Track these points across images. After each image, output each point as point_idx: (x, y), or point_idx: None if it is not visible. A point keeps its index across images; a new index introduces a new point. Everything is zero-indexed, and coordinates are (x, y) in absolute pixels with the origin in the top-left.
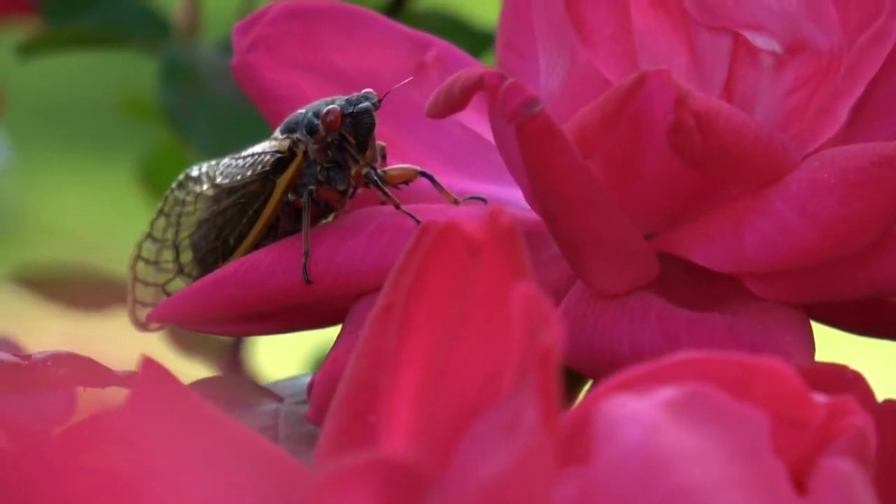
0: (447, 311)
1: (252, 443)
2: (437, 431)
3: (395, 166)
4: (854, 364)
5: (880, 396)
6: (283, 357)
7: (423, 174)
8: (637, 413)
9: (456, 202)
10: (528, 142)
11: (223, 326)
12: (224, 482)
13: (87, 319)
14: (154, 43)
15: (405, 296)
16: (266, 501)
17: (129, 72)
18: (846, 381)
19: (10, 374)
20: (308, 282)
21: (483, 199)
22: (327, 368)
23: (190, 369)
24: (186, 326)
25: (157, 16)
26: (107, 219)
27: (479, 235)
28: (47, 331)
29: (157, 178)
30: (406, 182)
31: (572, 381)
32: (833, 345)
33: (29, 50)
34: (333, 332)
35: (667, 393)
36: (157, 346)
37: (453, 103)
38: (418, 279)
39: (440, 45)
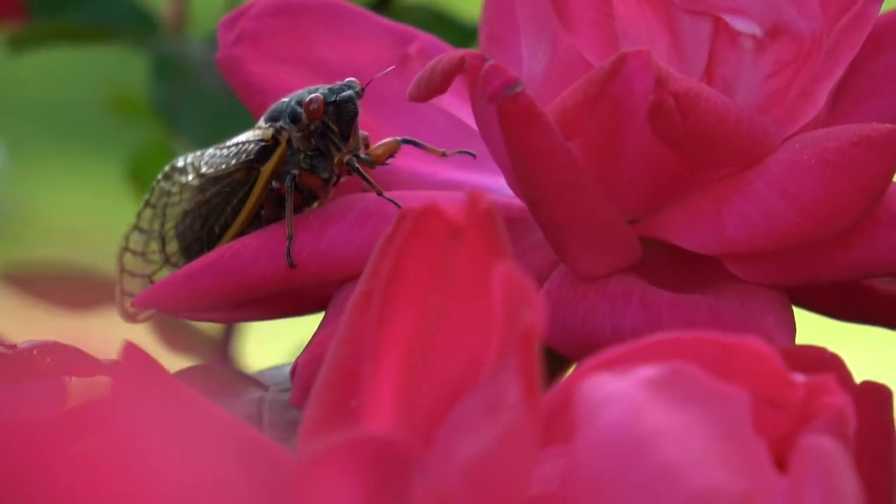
0: (428, 295)
1: (235, 429)
2: (420, 415)
3: (377, 144)
4: (833, 349)
5: (859, 380)
6: (272, 354)
7: (406, 140)
8: (618, 392)
9: (444, 155)
10: (510, 123)
11: (207, 313)
12: (207, 469)
13: (77, 318)
14: (142, 39)
15: (385, 280)
16: (249, 487)
17: (118, 71)
18: (824, 363)
19: None
20: (292, 265)
21: (472, 154)
22: (310, 352)
23: (178, 365)
24: (171, 313)
25: (145, 12)
26: (98, 217)
27: (458, 219)
28: (38, 329)
29: (145, 175)
30: (392, 155)
31: (557, 364)
32: (813, 332)
33: (17, 46)
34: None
35: (648, 372)
36: (146, 342)
37: (435, 86)
38: (398, 264)
39: (423, 37)
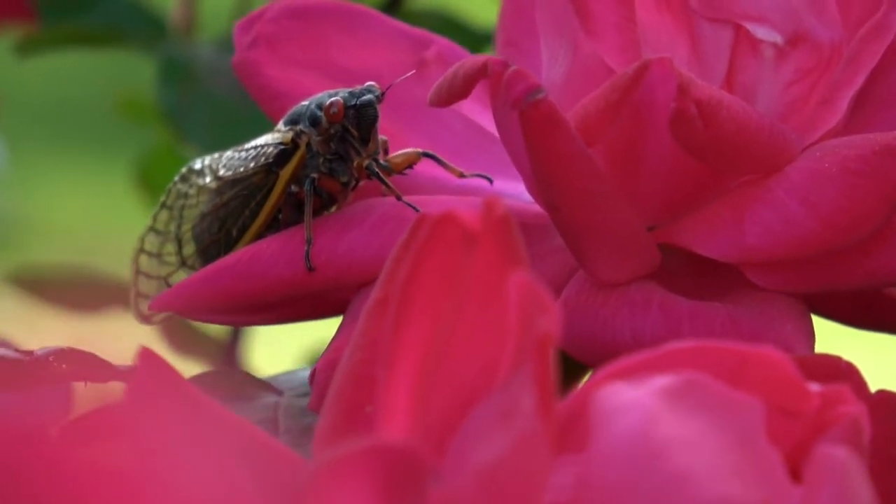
0: (443, 302)
1: (251, 435)
2: (435, 422)
3: (397, 153)
4: (848, 357)
5: (874, 389)
6: (279, 357)
7: (427, 154)
8: (633, 401)
9: (462, 175)
10: (531, 129)
11: (224, 316)
12: (223, 475)
13: (86, 321)
14: (151, 42)
15: (401, 286)
16: (264, 493)
17: (125, 73)
18: (840, 372)
19: (12, 370)
20: (310, 269)
21: (489, 178)
22: (329, 357)
23: (187, 369)
24: (187, 316)
25: (154, 15)
26: (104, 220)
27: (474, 225)
28: (46, 333)
29: (153, 178)
30: (410, 166)
31: (575, 370)
32: (829, 339)
33: (26, 49)
34: (330, 329)
35: (663, 381)
36: (154, 345)
37: (456, 91)
38: (414, 270)
39: (441, 42)
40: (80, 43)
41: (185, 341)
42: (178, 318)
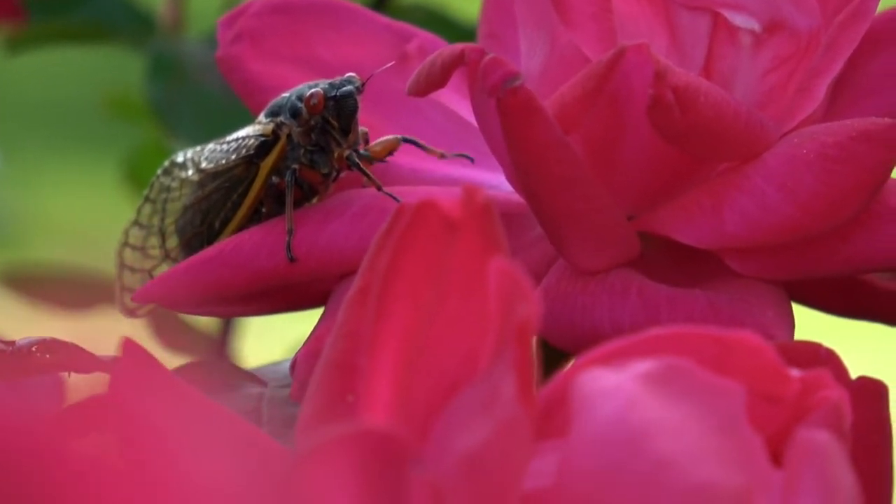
0: (424, 290)
1: (234, 425)
2: (416, 410)
3: (377, 141)
4: (829, 345)
5: (855, 375)
6: (270, 350)
7: (406, 139)
8: (614, 386)
9: (443, 156)
10: (509, 116)
11: (206, 307)
12: (206, 464)
13: (76, 318)
14: (140, 39)
15: (382, 276)
16: (247, 482)
17: (115, 71)
18: (819, 358)
19: None
20: (291, 260)
21: (470, 158)
22: (310, 346)
23: (176, 363)
24: (171, 307)
25: (142, 12)
26: (94, 217)
27: (454, 214)
28: (37, 330)
29: (142, 175)
30: (391, 152)
31: (556, 358)
32: (811, 329)
33: (15, 46)
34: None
35: (644, 366)
36: (145, 341)
37: (434, 80)
38: (395, 259)
39: (423, 35)
40: (68, 40)
41: (174, 336)
42: (169, 313)
